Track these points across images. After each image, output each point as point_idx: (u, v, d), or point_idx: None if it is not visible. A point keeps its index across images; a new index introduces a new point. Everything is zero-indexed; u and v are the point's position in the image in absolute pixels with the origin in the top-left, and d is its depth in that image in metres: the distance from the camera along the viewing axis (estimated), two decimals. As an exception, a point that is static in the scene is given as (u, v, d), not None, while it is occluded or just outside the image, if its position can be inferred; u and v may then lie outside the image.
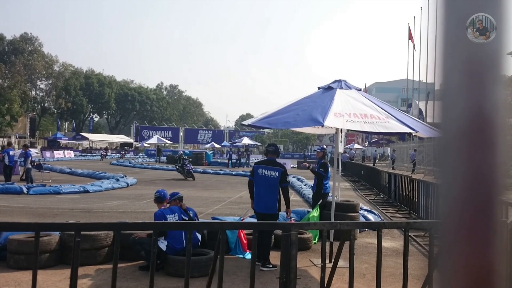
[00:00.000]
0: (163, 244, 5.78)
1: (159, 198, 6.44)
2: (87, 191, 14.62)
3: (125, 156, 48.28)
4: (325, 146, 10.15)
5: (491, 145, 0.74)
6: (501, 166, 0.74)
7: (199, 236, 6.40)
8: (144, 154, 52.79)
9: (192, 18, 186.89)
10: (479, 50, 0.76)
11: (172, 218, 6.00)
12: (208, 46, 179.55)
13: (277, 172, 6.33)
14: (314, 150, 11.42)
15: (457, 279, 0.75)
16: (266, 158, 6.68)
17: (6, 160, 15.94)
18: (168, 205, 6.36)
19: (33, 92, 60.34)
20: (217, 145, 56.54)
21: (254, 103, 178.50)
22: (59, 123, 62.36)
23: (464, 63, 0.76)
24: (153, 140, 49.08)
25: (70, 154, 45.14)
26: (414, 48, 32.73)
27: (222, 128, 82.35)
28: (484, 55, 0.76)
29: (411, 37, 32.94)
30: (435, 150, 0.80)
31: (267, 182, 6.31)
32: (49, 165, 24.09)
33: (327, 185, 8.47)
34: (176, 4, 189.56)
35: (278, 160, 7.04)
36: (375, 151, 49.76)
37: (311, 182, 10.06)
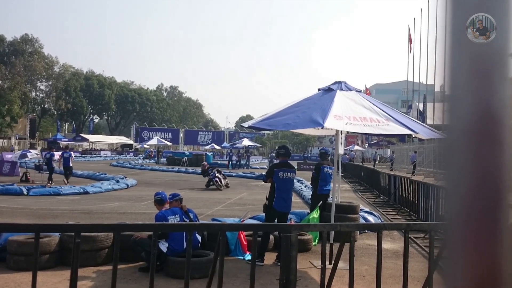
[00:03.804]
0: (163, 246, 5.78)
1: (160, 201, 6.43)
2: (87, 192, 14.62)
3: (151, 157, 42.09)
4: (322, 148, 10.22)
5: (498, 142, 0.74)
6: (508, 164, 0.74)
7: (199, 238, 6.40)
8: (144, 155, 52.83)
9: (192, 19, 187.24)
10: (486, 48, 0.76)
11: (173, 220, 6.00)
12: (208, 47, 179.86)
13: (293, 173, 6.94)
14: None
15: (463, 278, 0.75)
16: (280, 161, 7.01)
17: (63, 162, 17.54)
18: (168, 206, 6.36)
19: (33, 93, 60.42)
20: (217, 147, 56.58)
21: (254, 104, 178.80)
22: (59, 124, 62.38)
23: (471, 60, 0.76)
24: (153, 141, 49.10)
25: (60, 156, 44.99)
26: (410, 51, 32.79)
27: (222, 129, 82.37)
28: (491, 52, 0.76)
29: (410, 39, 32.99)
30: (441, 148, 0.80)
31: (289, 184, 6.87)
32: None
33: (323, 186, 8.41)
34: (176, 5, 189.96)
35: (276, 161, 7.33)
36: (375, 152, 49.80)
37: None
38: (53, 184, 16.48)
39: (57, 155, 19.33)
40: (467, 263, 0.75)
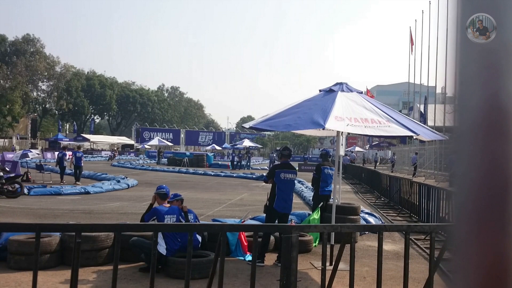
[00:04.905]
0: (162, 248, 5.75)
1: (164, 195, 6.41)
2: (87, 192, 14.63)
3: (116, 158, 45.16)
4: (323, 149, 10.23)
5: (507, 137, 0.73)
6: None
7: (200, 238, 6.39)
8: (145, 156, 52.87)
9: (194, 20, 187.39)
10: (494, 44, 0.76)
11: (170, 219, 5.99)
12: (210, 48, 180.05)
13: (295, 174, 6.95)
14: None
15: (470, 276, 0.74)
16: (282, 162, 7.01)
17: (74, 161, 18.21)
18: (168, 204, 6.35)
19: (35, 93, 60.42)
20: (218, 147, 56.62)
21: (255, 105, 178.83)
22: (60, 124, 62.44)
23: (479, 56, 0.76)
24: (154, 141, 49.23)
25: (71, 155, 45.09)
26: (411, 53, 32.80)
27: (223, 130, 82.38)
28: (499, 48, 0.75)
29: (411, 41, 32.97)
30: (449, 143, 0.80)
31: (290, 185, 6.87)
32: (50, 166, 24.08)
33: (325, 187, 8.41)
34: (178, 6, 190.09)
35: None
36: (376, 154, 49.78)
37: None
38: (64, 183, 17.34)
39: (68, 154, 19.90)
40: (473, 262, 0.74)
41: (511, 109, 0.73)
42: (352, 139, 60.54)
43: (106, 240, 6.13)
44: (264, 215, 7.01)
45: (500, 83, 0.74)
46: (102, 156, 50.39)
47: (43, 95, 62.18)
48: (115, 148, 52.98)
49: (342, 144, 6.91)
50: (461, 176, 0.76)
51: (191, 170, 29.29)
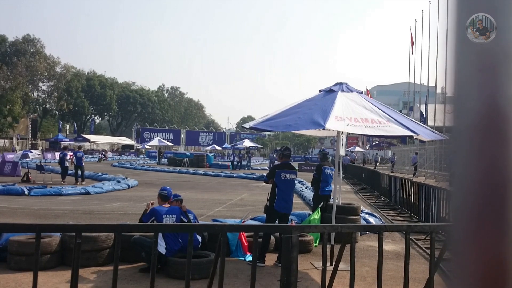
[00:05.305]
0: (162, 247, 5.76)
1: (165, 197, 6.40)
2: (88, 193, 14.62)
3: (103, 160, 44.08)
4: (322, 149, 10.21)
5: (505, 139, 0.73)
6: None
7: (200, 238, 6.39)
8: (145, 156, 52.89)
9: (194, 20, 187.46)
10: (492, 45, 0.76)
11: (169, 219, 5.99)
12: (210, 48, 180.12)
13: (295, 174, 6.96)
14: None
15: (470, 272, 0.74)
16: (282, 162, 6.99)
17: (75, 161, 18.47)
18: (168, 205, 6.35)
19: (35, 94, 60.50)
20: (218, 147, 56.63)
21: (255, 105, 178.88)
22: (61, 124, 62.46)
23: (477, 57, 0.76)
24: (154, 142, 49.26)
25: (71, 155, 45.10)
26: (411, 53, 32.81)
27: (223, 130, 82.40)
28: (497, 49, 0.75)
29: (412, 41, 32.96)
30: (447, 145, 0.81)
31: (290, 185, 6.86)
32: (50, 167, 24.08)
33: (325, 187, 8.41)
34: (178, 6, 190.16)
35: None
36: (376, 154, 49.78)
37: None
38: (65, 183, 17.52)
39: (69, 155, 19.94)
40: (472, 262, 0.74)
41: (509, 112, 0.73)
42: (352, 139, 60.52)
43: (106, 241, 6.13)
44: (265, 215, 7.01)
45: (499, 83, 0.74)
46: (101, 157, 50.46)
47: (44, 95, 62.27)
48: (104, 148, 52.58)
49: (342, 144, 6.91)
50: (459, 177, 0.76)
51: (191, 170, 29.30)
